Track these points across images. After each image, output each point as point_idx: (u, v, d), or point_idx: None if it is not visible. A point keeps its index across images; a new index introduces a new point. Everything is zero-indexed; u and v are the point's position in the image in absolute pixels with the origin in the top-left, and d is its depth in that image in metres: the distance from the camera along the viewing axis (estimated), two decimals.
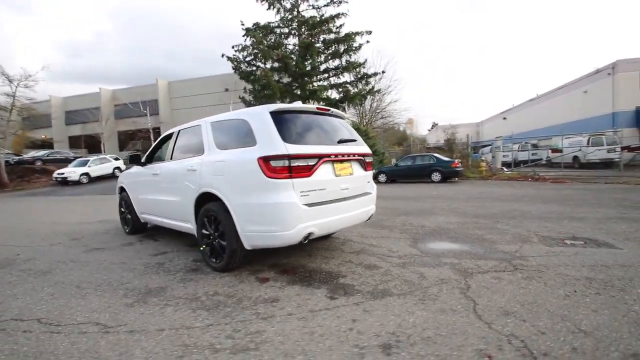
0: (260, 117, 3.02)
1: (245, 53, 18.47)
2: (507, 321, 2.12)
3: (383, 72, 18.82)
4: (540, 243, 3.92)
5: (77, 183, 18.77)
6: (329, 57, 18.83)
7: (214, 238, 3.29)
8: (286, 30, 19.60)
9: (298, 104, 3.32)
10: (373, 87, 19.04)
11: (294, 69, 17.37)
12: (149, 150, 4.80)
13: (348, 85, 18.67)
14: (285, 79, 18.98)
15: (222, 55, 18.40)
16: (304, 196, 2.84)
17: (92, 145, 34.12)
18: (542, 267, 3.08)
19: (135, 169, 5.03)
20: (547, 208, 6.37)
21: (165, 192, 4.06)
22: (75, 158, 23.32)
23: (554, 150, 18.49)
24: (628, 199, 7.10)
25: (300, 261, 3.52)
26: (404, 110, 29.34)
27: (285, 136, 2.87)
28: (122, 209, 5.41)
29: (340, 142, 3.32)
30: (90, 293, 2.87)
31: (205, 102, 33.73)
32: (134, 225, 5.13)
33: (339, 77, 19.60)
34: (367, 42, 18.94)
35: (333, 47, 18.58)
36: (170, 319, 2.33)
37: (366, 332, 2.06)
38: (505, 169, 16.93)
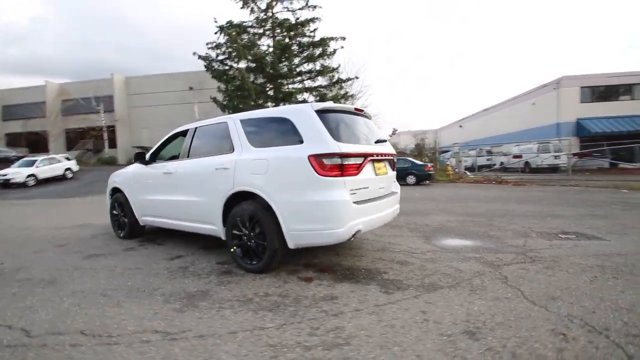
0: (305, 115, 3.01)
1: (218, 51, 17.92)
2: (558, 304, 2.35)
3: (356, 77, 19.27)
4: (539, 237, 4.33)
5: (22, 186, 16.79)
6: (304, 61, 18.95)
7: (248, 239, 3.19)
8: (260, 30, 19.40)
9: (329, 104, 3.34)
10: (347, 92, 19.47)
11: (270, 70, 17.20)
12: (154, 149, 4.51)
13: (323, 89, 18.90)
14: (260, 80, 18.74)
15: (194, 53, 17.72)
16: (353, 194, 2.89)
17: (35, 143, 30.77)
18: (555, 258, 3.42)
19: (135, 168, 4.69)
20: (525, 207, 7.00)
21: (181, 192, 3.84)
22: (19, 158, 20.86)
23: (515, 156, 20.22)
24: (589, 199, 8.04)
25: (332, 260, 3.54)
26: (374, 116, 30.18)
27: (332, 135, 2.90)
28: (115, 212, 5.00)
29: (377, 142, 3.41)
30: (124, 301, 2.64)
31: (167, 100, 32.08)
32: (132, 229, 4.77)
33: (313, 81, 19.80)
34: (342, 47, 19.40)
35: (308, 50, 18.73)
36: (236, 322, 2.24)
37: (442, 321, 2.15)
38: (468, 173, 18.21)
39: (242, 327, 2.17)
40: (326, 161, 2.77)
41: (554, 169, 18.88)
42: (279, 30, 19.15)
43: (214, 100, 18.64)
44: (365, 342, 1.94)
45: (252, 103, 17.94)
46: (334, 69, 19.25)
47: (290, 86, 18.84)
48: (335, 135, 2.91)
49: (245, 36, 18.80)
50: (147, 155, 4.45)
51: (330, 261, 3.51)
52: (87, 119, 29.57)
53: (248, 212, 3.16)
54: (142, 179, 4.48)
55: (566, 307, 2.31)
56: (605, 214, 5.80)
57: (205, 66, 18.11)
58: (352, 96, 20.30)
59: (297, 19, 18.66)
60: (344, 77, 19.53)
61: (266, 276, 3.09)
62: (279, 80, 18.30)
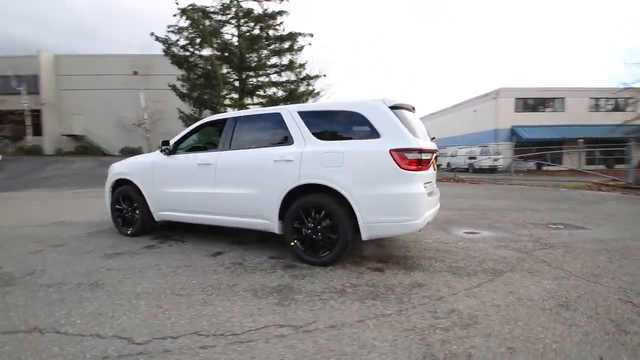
0: (379, 110, 3.09)
1: (180, 35, 16.66)
2: (604, 280, 2.81)
3: (324, 75, 19.49)
4: (536, 228, 4.98)
5: None
6: (272, 54, 18.59)
7: (314, 232, 3.18)
8: (224, 18, 18.50)
9: (398, 100, 3.35)
10: (314, 89, 19.59)
11: (240, 61, 16.54)
12: (178, 138, 4.15)
13: (291, 84, 18.76)
14: (224, 70, 17.90)
15: (152, 34, 16.21)
16: (425, 187, 3.06)
17: None
18: (565, 244, 4.01)
19: (153, 157, 4.27)
20: (499, 203, 7.89)
21: (225, 184, 3.63)
22: None
23: (471, 157, 22.24)
24: (544, 196, 9.32)
25: (382, 252, 3.67)
26: None
27: None
28: (120, 207, 4.48)
29: (432, 139, 3.63)
30: (209, 299, 2.47)
31: (107, 84, 28.90)
32: (143, 226, 4.34)
33: (280, 75, 19.52)
34: (309, 44, 19.40)
35: (276, 44, 18.41)
36: (351, 311, 2.27)
37: (533, 299, 2.44)
38: None
39: (365, 315, 2.21)
40: (408, 155, 2.90)
41: (492, 170, 21.35)
42: (245, 20, 18.49)
43: (173, 88, 17.32)
44: (489, 320, 2.13)
45: (220, 94, 17.13)
46: (301, 65, 19.23)
47: (259, 79, 18.33)
48: (409, 130, 3.06)
49: (207, 22, 17.78)
50: (171, 145, 4.08)
51: (382, 252, 3.64)
52: (6, 102, 25.24)
53: (316, 205, 3.14)
54: (165, 170, 4.09)
55: (612, 281, 2.77)
56: (570, 208, 6.85)
57: (164, 50, 16.71)
58: (318, 93, 20.47)
59: (265, 10, 18.21)
60: (311, 73, 19.64)
61: (335, 269, 3.11)
62: (248, 72, 17.70)
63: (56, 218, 5.85)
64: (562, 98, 25.11)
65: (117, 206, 4.52)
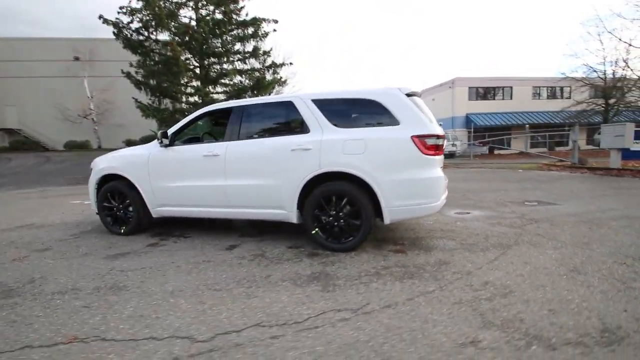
0: (397, 98, 3.17)
1: (133, 17, 15.28)
2: (595, 247, 3.20)
3: (291, 63, 19.14)
4: (516, 205, 5.47)
5: None
6: (235, 40, 17.83)
7: (335, 219, 3.22)
8: (181, 0, 17.30)
9: (412, 88, 3.46)
10: (281, 77, 19.22)
11: (200, 47, 15.66)
12: (176, 129, 3.90)
13: (256, 72, 18.20)
14: (185, 57, 16.85)
15: (100, 17, 14.67)
16: (441, 171, 3.23)
17: None
18: (548, 219, 4.46)
19: (148, 150, 3.97)
20: (472, 185, 8.49)
21: (236, 176, 3.50)
22: None
23: None
24: (506, 177, 10.17)
25: (393, 235, 3.82)
26: None
27: None
28: (109, 204, 4.13)
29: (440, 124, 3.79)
30: (252, 292, 2.42)
31: (45, 71, 25.94)
32: (139, 223, 4.06)
33: (245, 63, 18.84)
34: (274, 30, 18.88)
35: (240, 29, 17.68)
36: (396, 292, 2.36)
37: (547, 267, 2.73)
38: None
39: (411, 294, 2.32)
40: (428, 141, 3.03)
41: (452, 155, 22.78)
42: (203, 3, 17.45)
43: (127, 75, 15.96)
44: (520, 288, 2.36)
45: (181, 82, 16.17)
46: (266, 52, 18.71)
47: (222, 66, 17.52)
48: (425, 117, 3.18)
49: (162, 3, 16.51)
50: (169, 136, 3.81)
51: (393, 235, 3.79)
52: None
53: (338, 192, 3.18)
54: (164, 163, 3.83)
55: (602, 247, 3.18)
56: (534, 187, 7.59)
57: (115, 34, 15.25)
58: (285, 82, 20.14)
59: None
60: (277, 62, 19.19)
61: (358, 254, 3.19)
62: (211, 59, 16.85)
63: (21, 221, 5.23)
64: (510, 87, 27.30)
65: (106, 204, 4.16)
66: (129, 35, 15.62)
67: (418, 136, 3.01)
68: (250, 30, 17.79)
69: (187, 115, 17.65)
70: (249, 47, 18.10)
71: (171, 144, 3.83)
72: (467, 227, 4.15)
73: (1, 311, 2.24)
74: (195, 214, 3.85)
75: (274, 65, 18.82)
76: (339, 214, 3.21)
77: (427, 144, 3.02)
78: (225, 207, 3.64)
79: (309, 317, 2.05)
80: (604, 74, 19.21)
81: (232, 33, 17.61)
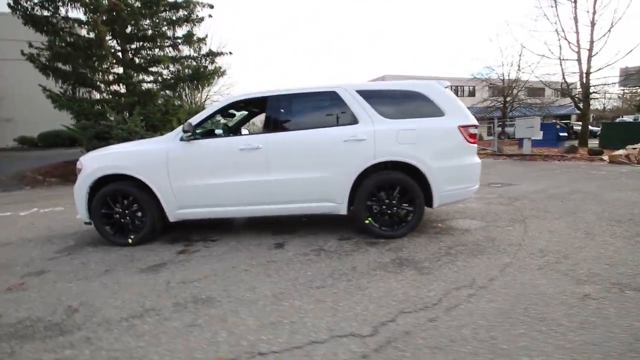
0: (439, 90, 3.40)
1: None
2: (585, 214, 3.98)
3: (230, 53, 18.03)
4: (488, 187, 6.32)
5: None
6: (166, 24, 16.04)
7: (388, 207, 3.33)
8: None
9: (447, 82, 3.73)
10: (220, 67, 18.03)
11: (132, 29, 13.67)
12: (199, 121, 3.45)
13: (193, 61, 16.74)
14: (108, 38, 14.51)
15: None
16: None
17: None
18: (523, 196, 5.32)
19: (163, 144, 3.43)
20: None
21: (282, 170, 3.30)
22: None
23: None
24: None
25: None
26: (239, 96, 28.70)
27: None
28: (109, 211, 3.47)
29: None
30: (359, 284, 2.40)
31: None
32: (153, 229, 3.51)
33: (177, 50, 17.12)
34: (210, 16, 17.56)
35: (171, 12, 15.95)
36: (488, 265, 2.62)
37: (569, 233, 3.32)
38: None
39: (501, 265, 2.60)
40: (472, 131, 3.35)
41: None
42: None
43: (30, 58, 13.06)
44: (570, 251, 2.85)
45: (102, 67, 13.96)
46: (200, 39, 17.30)
47: (152, 52, 15.58)
48: None
49: None
50: (192, 128, 3.36)
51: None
52: None
53: (392, 181, 3.29)
54: (188, 159, 3.37)
55: (588, 215, 3.97)
56: (485, 172, 8.80)
57: (11, 6, 12.26)
58: (224, 72, 18.97)
59: None
60: (212, 51, 17.90)
61: (412, 239, 3.36)
62: (139, 43, 14.87)
63: None
64: None
65: (104, 210, 3.47)
66: (29, 10, 12.74)
67: (463, 126, 3.31)
68: (183, 13, 16.22)
69: (112, 106, 15.30)
70: (181, 32, 16.49)
71: (194, 135, 3.40)
72: (470, 207, 4.68)
73: (85, 354, 1.79)
74: (227, 214, 3.51)
75: (211, 54, 17.53)
76: (392, 202, 3.33)
77: (470, 133, 3.34)
78: (266, 203, 3.42)
79: (440, 298, 2.15)
80: (502, 75, 23.11)
81: (162, 15, 15.80)
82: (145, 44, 15.59)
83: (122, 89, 15.39)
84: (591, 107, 18.76)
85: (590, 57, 14.05)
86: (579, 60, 14.18)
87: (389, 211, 3.35)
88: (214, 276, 2.63)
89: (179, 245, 3.45)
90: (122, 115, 13.83)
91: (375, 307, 2.06)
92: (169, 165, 3.39)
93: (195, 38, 17.06)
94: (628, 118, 24.68)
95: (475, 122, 3.42)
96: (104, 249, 3.46)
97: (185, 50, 17.33)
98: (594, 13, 13.75)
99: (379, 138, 3.26)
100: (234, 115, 4.30)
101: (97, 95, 15.16)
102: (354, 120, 3.35)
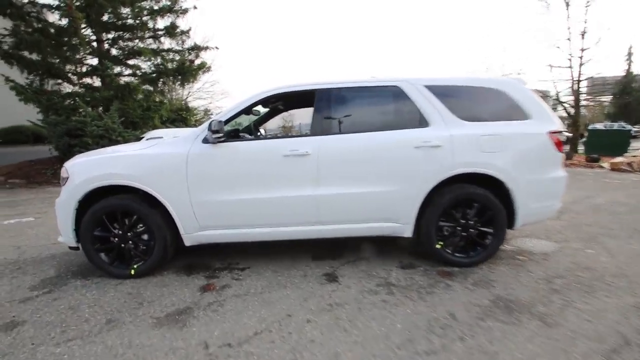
0: (522, 89, 2.84)
1: None
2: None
3: (216, 47, 16.96)
4: None
5: None
6: (146, 13, 14.82)
7: (463, 228, 2.73)
8: None
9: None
10: (206, 63, 16.94)
11: (110, 17, 12.42)
12: (227, 118, 2.70)
13: (177, 54, 15.59)
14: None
15: None
16: None
17: None
18: (562, 208, 4.90)
19: (180, 147, 2.65)
20: None
21: (337, 181, 2.62)
22: None
23: None
24: None
25: None
26: (222, 95, 27.46)
27: None
28: (104, 233, 2.64)
29: None
30: (482, 333, 1.76)
31: None
32: (164, 256, 2.72)
33: (159, 42, 15.89)
34: (195, 7, 16.49)
35: (153, 0, 14.76)
36: (605, 314, 2.07)
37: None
38: None
39: (628, 314, 2.05)
40: (560, 138, 2.81)
41: None
42: None
43: None
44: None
45: (75, 57, 12.66)
46: (184, 32, 16.17)
47: (131, 43, 14.31)
48: None
49: None
50: (222, 128, 2.59)
51: None
52: None
53: (470, 197, 2.69)
54: (215, 166, 2.60)
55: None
56: None
57: None
58: (209, 68, 17.89)
59: None
60: (198, 45, 16.79)
61: (490, 265, 2.79)
62: (115, 33, 13.62)
63: None
64: None
65: (99, 232, 2.64)
66: None
67: (553, 132, 2.76)
68: (166, 3, 15.06)
69: (85, 101, 13.95)
70: (163, 23, 15.30)
71: (225, 138, 2.64)
72: None
73: None
74: (262, 237, 2.77)
75: (196, 48, 16.42)
76: (468, 222, 2.74)
77: (559, 141, 2.80)
78: (311, 224, 2.71)
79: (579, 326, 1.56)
80: None
81: (143, 4, 14.57)
82: (123, 34, 14.32)
83: (98, 82, 14.06)
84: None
85: (581, 64, 14.32)
86: (570, 67, 14.42)
87: (463, 233, 2.75)
88: (268, 332, 1.91)
89: (199, 277, 2.68)
90: (97, 110, 12.56)
91: (535, 347, 1.46)
92: (189, 175, 2.61)
93: (178, 30, 15.93)
94: (600, 125, 25.73)
95: (561, 128, 2.90)
96: (97, 282, 2.63)
97: (167, 43, 16.15)
98: (585, 22, 14.04)
99: (457, 145, 2.64)
100: (258, 113, 3.55)
101: (69, 88, 13.78)
102: (423, 122, 2.72)
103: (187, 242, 2.75)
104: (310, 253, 3.16)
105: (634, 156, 9.76)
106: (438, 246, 2.73)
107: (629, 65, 29.49)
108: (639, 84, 29.44)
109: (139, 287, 2.54)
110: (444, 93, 2.79)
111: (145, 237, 2.70)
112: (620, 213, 4.48)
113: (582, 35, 14.08)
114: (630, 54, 29.26)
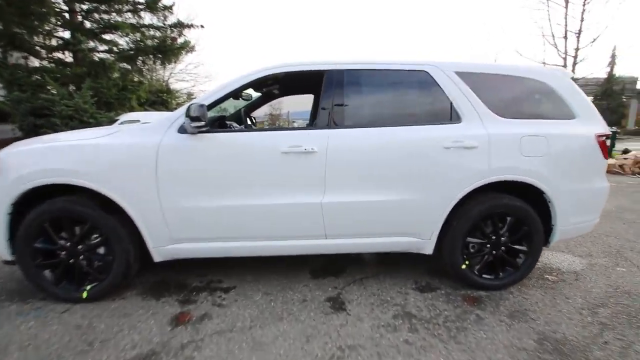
0: (568, 82, 2.38)
1: None
2: None
3: (202, 26, 15.86)
4: None
5: None
6: None
7: (494, 246, 2.30)
8: None
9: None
10: (189, 42, 15.86)
11: None
12: (213, 101, 2.13)
13: (158, 31, 14.47)
14: None
15: None
16: None
17: None
18: None
19: (141, 137, 2.07)
20: None
21: (349, 187, 2.11)
22: None
23: None
24: None
25: None
26: (206, 78, 26.27)
27: None
28: (49, 245, 2.06)
29: None
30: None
31: None
32: (125, 274, 2.15)
33: (138, 17, 14.69)
34: None
35: None
36: None
37: None
38: None
39: None
40: (607, 142, 2.39)
41: None
42: None
43: None
44: None
45: (43, 28, 11.52)
46: (167, 7, 15.01)
47: (107, 17, 13.12)
48: None
49: None
50: (205, 114, 2.02)
51: None
52: None
53: (504, 209, 2.25)
54: (198, 163, 2.04)
55: None
56: None
57: None
58: (193, 48, 16.81)
59: None
60: (181, 22, 15.66)
61: (520, 288, 2.38)
62: (95, 5, 12.45)
63: None
64: None
65: (40, 244, 2.05)
66: None
67: (600, 136, 2.33)
68: None
69: (54, 77, 12.84)
70: None
71: (208, 128, 2.07)
72: None
73: None
74: (252, 252, 2.25)
75: (180, 25, 15.31)
76: (500, 239, 2.30)
77: (605, 146, 2.38)
78: (313, 237, 2.21)
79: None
80: None
81: None
82: (99, 6, 13.11)
83: (69, 57, 12.90)
84: None
85: (575, 63, 14.23)
86: (564, 66, 14.30)
87: (494, 252, 2.32)
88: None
89: (170, 302, 2.14)
90: (67, 88, 11.49)
91: None
92: (159, 173, 2.03)
93: (160, 5, 14.80)
94: None
95: (608, 131, 2.47)
96: (38, 308, 2.05)
97: (148, 18, 14.98)
98: (582, 21, 13.90)
99: (495, 146, 2.17)
100: (250, 98, 2.97)
101: (36, 63, 12.57)
102: (454, 117, 2.23)
103: (157, 258, 2.19)
104: (307, 267, 2.67)
105: (625, 159, 9.67)
106: (464, 266, 2.29)
107: (612, 67, 29.83)
108: (620, 87, 29.85)
109: (91, 316, 1.98)
110: (478, 82, 2.30)
111: (101, 250, 2.12)
112: (632, 221, 4.19)
113: (578, 34, 13.96)
114: (614, 56, 29.57)
